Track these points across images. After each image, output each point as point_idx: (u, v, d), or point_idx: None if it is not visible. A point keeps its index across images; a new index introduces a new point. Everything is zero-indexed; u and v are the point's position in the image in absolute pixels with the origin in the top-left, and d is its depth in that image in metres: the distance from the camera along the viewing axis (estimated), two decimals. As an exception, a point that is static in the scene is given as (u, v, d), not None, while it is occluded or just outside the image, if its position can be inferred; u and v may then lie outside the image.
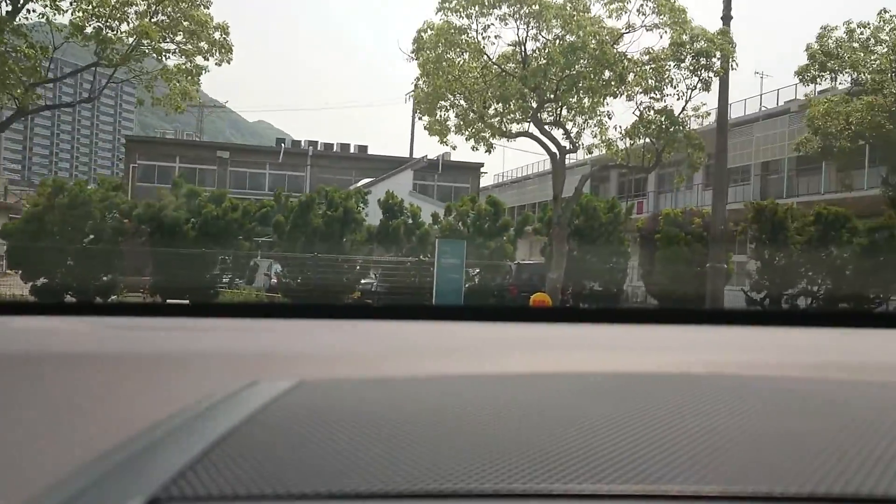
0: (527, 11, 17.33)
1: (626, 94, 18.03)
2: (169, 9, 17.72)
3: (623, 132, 18.58)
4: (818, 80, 20.97)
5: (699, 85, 17.79)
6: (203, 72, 18.48)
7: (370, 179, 35.46)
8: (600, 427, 0.79)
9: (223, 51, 18.25)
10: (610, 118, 18.55)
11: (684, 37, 17.36)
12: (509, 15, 17.44)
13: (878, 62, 20.39)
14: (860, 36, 20.63)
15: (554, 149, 18.54)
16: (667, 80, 17.83)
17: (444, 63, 17.63)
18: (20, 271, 19.09)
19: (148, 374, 1.13)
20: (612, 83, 17.30)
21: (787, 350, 1.38)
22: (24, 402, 1.01)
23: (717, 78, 17.62)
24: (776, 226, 21.34)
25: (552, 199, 19.11)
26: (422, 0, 20.98)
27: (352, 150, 44.25)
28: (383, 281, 21.59)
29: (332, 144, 44.16)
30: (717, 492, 0.63)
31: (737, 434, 0.79)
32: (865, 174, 26.50)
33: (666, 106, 18.27)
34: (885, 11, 20.55)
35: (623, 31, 17.76)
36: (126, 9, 17.16)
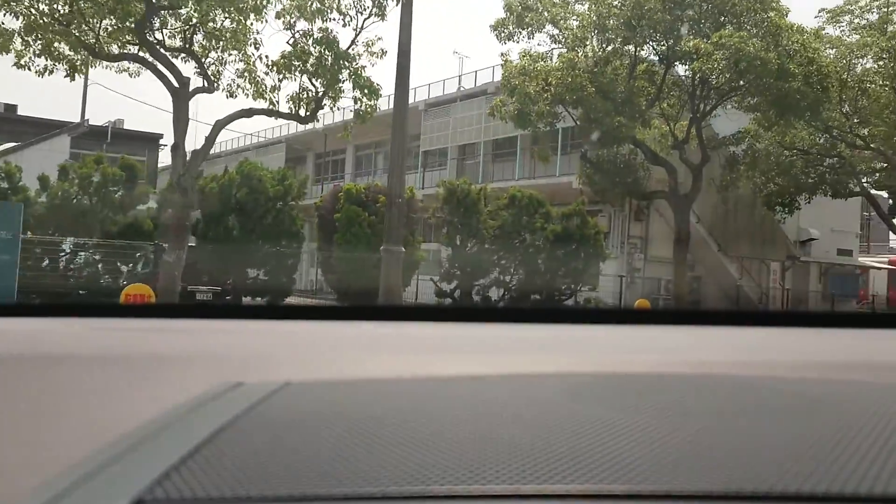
0: None
1: (282, 18, 13.95)
2: None
3: (271, 65, 14.44)
4: (515, 37, 18.59)
5: (373, 11, 14.23)
6: None
7: (14, 144, 28.56)
8: (588, 427, 0.80)
9: None
10: (257, 48, 14.50)
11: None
12: None
13: (579, 18, 18.62)
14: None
15: (175, 83, 13.81)
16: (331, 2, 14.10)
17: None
18: None
19: (132, 375, 1.12)
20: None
21: (774, 350, 1.39)
22: (6, 404, 1.01)
23: (399, 5, 13.66)
24: (468, 209, 18.95)
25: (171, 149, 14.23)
26: None
27: (-6, 110, 35.91)
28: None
29: (-38, 100, 35.49)
30: (704, 491, 0.64)
31: (724, 434, 0.80)
32: (558, 161, 25.38)
33: (329, 33, 14.44)
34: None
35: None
36: None
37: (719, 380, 1.07)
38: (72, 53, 13.34)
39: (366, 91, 14.57)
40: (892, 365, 1.25)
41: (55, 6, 12.82)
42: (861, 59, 19.74)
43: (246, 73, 14.40)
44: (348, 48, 14.61)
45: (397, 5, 13.88)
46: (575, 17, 18.91)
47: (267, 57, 15.75)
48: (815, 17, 19.75)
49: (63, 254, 16.28)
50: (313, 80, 14.69)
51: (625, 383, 1.04)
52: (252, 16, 13.51)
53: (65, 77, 13.66)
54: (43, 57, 13.23)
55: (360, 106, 14.98)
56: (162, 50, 13.78)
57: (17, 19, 12.71)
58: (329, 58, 14.08)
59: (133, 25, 13.05)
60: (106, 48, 13.79)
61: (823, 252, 28.08)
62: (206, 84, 14.29)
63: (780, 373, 1.15)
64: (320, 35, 14.27)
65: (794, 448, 0.74)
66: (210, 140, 14.61)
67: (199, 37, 13.78)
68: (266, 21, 13.92)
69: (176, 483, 0.65)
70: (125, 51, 14.17)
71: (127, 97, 56.24)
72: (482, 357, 1.26)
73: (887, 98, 19.10)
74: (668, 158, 19.64)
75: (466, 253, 18.98)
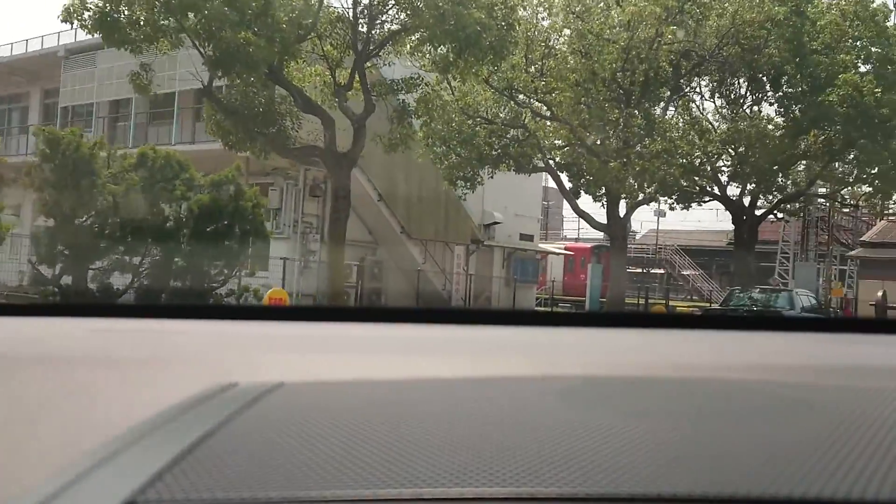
0: None
1: None
2: None
3: None
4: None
5: None
6: None
7: None
8: (579, 431, 0.80)
9: None
10: None
11: None
12: None
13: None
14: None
15: None
16: None
17: None
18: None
19: (126, 375, 1.12)
20: None
21: (760, 354, 1.38)
22: None
23: None
24: (79, 168, 14.42)
25: None
26: None
27: None
28: None
29: None
30: (694, 494, 0.64)
31: (712, 437, 0.80)
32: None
33: None
34: None
35: None
36: None
37: (707, 383, 1.07)
38: None
39: None
40: (878, 369, 1.25)
41: None
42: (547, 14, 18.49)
43: None
44: None
45: None
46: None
47: None
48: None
49: None
50: None
51: (613, 386, 1.04)
52: None
53: None
54: None
55: None
56: None
57: None
58: None
59: None
60: None
61: (506, 236, 27.37)
62: None
63: (767, 376, 1.15)
64: None
65: (782, 452, 0.75)
66: None
67: None
68: None
69: (168, 484, 0.65)
70: None
71: None
72: (477, 360, 1.25)
73: (576, 62, 17.93)
74: (327, 108, 16.56)
75: (77, 228, 14.49)
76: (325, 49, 16.48)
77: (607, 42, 18.39)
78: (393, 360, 1.22)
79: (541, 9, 18.48)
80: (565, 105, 17.99)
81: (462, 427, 0.81)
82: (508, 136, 19.46)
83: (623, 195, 19.27)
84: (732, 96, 21.88)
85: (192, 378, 1.03)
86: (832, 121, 19.48)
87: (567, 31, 18.91)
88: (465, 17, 14.73)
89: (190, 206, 15.30)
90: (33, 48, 28.05)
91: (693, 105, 21.76)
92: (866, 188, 23.55)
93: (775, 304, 17.38)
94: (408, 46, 17.11)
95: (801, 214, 28.54)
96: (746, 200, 23.24)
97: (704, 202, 24.87)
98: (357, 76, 16.47)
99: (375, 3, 15.23)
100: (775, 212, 25.13)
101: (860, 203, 26.86)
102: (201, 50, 15.41)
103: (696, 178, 22.46)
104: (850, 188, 25.37)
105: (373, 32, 16.48)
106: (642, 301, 27.08)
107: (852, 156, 21.29)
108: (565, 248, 34.83)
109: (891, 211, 31.47)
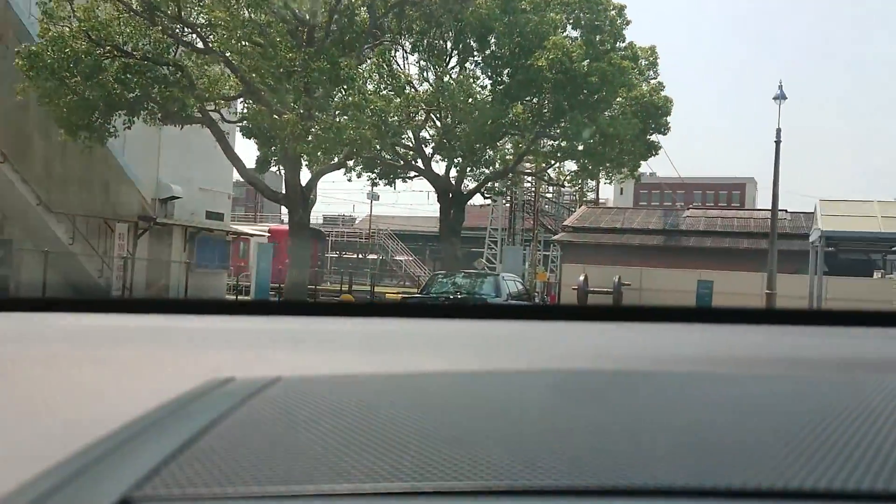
0: None
1: None
2: None
3: None
4: None
5: None
6: None
7: None
8: (578, 423, 0.81)
9: None
10: None
11: None
12: None
13: None
14: None
15: None
16: None
17: None
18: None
19: (122, 371, 1.11)
20: None
21: (763, 347, 1.38)
22: None
23: None
24: None
25: None
26: None
27: None
28: None
29: None
30: (690, 486, 0.65)
31: (709, 430, 0.81)
32: None
33: None
34: None
35: None
36: None
37: (697, 377, 1.07)
38: None
39: None
40: (867, 361, 1.24)
41: None
42: None
43: None
44: None
45: None
46: None
47: None
48: None
49: None
50: None
51: (609, 380, 1.05)
52: None
53: None
54: None
55: None
56: None
57: None
58: None
59: None
60: None
61: (189, 214, 23.16)
62: None
63: (756, 369, 1.15)
64: None
65: (776, 444, 0.75)
66: None
67: None
68: None
69: (165, 480, 0.65)
70: None
71: None
72: (475, 354, 1.24)
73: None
74: None
75: None
76: None
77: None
78: (390, 354, 1.22)
79: None
80: (232, 43, 14.30)
81: (460, 420, 0.82)
82: (155, 73, 15.28)
83: (303, 155, 15.95)
84: (436, 52, 19.73)
85: (188, 373, 1.02)
86: (541, 87, 18.07)
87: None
88: None
89: None
90: None
91: (393, 61, 19.21)
92: (573, 165, 22.84)
93: (480, 289, 15.43)
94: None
95: (509, 197, 27.73)
96: (453, 178, 21.41)
97: (409, 178, 22.76)
98: None
99: None
100: (482, 191, 23.75)
101: (565, 183, 26.51)
102: None
103: (399, 150, 20.08)
104: (556, 167, 24.73)
105: None
106: (345, 287, 24.45)
107: (559, 129, 20.24)
108: (269, 231, 31.37)
109: (589, 198, 31.91)
